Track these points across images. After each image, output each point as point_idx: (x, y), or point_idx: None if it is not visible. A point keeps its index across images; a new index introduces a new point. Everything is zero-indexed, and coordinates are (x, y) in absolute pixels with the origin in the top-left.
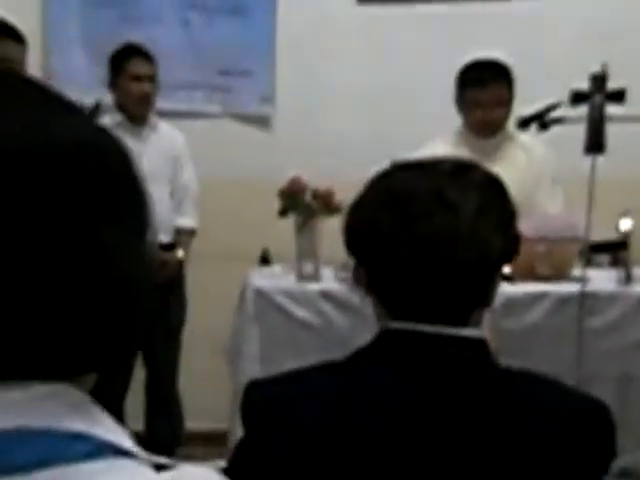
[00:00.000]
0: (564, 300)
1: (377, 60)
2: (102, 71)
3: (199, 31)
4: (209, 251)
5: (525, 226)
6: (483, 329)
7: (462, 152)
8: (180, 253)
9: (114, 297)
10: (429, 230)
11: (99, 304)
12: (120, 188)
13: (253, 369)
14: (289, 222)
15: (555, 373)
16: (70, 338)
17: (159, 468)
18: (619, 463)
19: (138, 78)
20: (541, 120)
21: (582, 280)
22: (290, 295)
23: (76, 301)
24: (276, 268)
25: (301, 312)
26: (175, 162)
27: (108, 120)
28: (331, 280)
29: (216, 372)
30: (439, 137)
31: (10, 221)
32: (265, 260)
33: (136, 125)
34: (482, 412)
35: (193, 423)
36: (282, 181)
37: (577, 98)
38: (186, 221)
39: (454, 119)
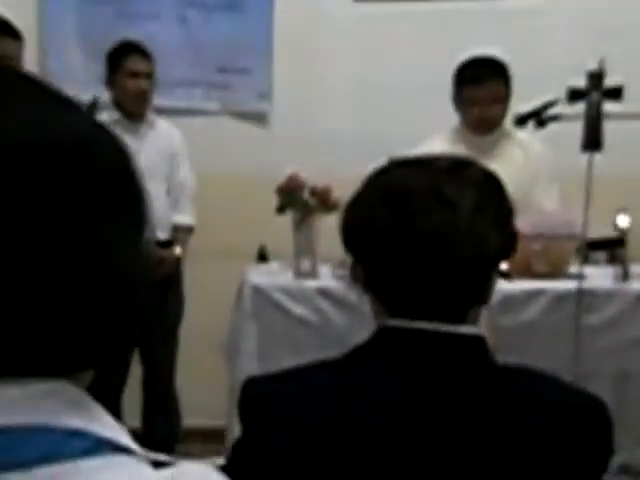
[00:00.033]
0: (561, 297)
1: (374, 57)
2: (99, 68)
3: (197, 28)
4: (207, 248)
5: (522, 223)
6: (481, 326)
7: (459, 149)
8: (177, 250)
9: (111, 293)
10: (427, 227)
11: (96, 300)
12: (118, 184)
13: (251, 366)
14: (287, 219)
15: (552, 370)
16: (68, 335)
17: (157, 465)
18: (618, 460)
19: (135, 75)
20: (538, 117)
21: (579, 277)
22: (287, 292)
23: (73, 298)
24: (273, 265)
25: (298, 309)
26: (172, 159)
27: (105, 117)
28: (329, 277)
29: (214, 369)
30: (436, 134)
31: (7, 217)
32: (263, 257)
33: (133, 122)
34: (480, 409)
35: (191, 420)
36: (280, 178)
37: (574, 95)
38: (183, 218)
39: (452, 117)
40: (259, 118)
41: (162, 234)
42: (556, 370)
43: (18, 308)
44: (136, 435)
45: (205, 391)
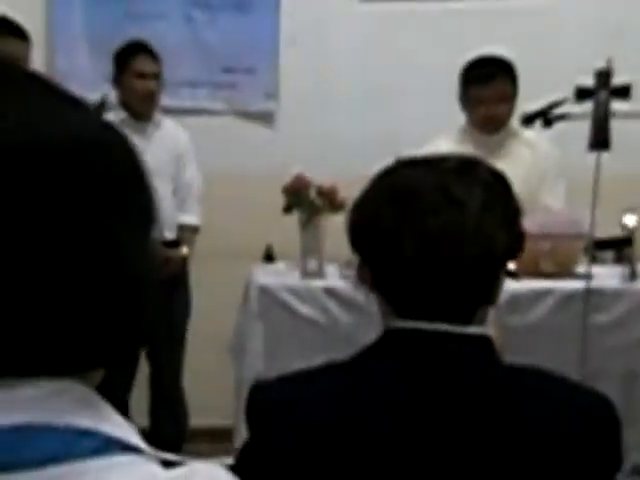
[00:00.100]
0: (569, 297)
1: (380, 57)
2: (106, 68)
3: (203, 28)
4: (213, 248)
5: (529, 223)
6: (488, 326)
7: (466, 149)
8: (184, 250)
9: (121, 293)
10: (434, 226)
11: (106, 300)
12: (126, 184)
13: (257, 366)
14: (293, 219)
15: (559, 370)
16: (78, 334)
17: (166, 465)
18: (630, 461)
19: (143, 75)
20: (545, 116)
21: (587, 277)
22: (294, 292)
23: (84, 296)
24: (280, 265)
25: (305, 309)
26: (179, 159)
27: (112, 117)
28: (335, 277)
29: (220, 369)
30: (443, 134)
31: (16, 217)
32: (269, 257)
33: (140, 122)
34: (488, 409)
35: (198, 420)
36: (286, 178)
37: (582, 94)
38: (189, 218)
39: (459, 116)
40: (265, 118)
41: (168, 234)
42: (563, 370)
43: (29, 307)
44: (143, 434)
45: (212, 391)
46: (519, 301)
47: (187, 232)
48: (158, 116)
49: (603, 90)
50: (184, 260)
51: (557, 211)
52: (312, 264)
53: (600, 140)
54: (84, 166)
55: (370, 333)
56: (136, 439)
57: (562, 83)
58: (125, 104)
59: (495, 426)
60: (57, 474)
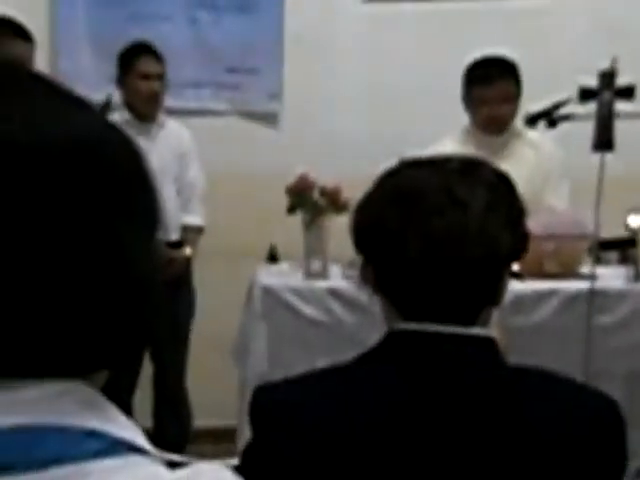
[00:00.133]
0: (573, 298)
1: (384, 58)
2: (110, 69)
3: (207, 29)
4: (216, 248)
5: (533, 223)
6: (491, 327)
7: (470, 150)
8: (187, 250)
9: (126, 294)
10: (438, 227)
11: (111, 301)
12: (131, 185)
13: (261, 366)
14: (297, 219)
15: (563, 371)
16: (82, 335)
17: (171, 465)
18: (635, 463)
19: (147, 77)
20: (549, 117)
21: (591, 277)
22: (298, 293)
23: (89, 298)
24: (284, 265)
25: (309, 310)
26: (182, 160)
27: (116, 118)
28: (339, 278)
29: (224, 369)
30: (447, 135)
31: (23, 218)
32: (273, 257)
33: (144, 123)
34: (492, 411)
35: (201, 420)
36: (290, 178)
37: (586, 95)
38: (193, 219)
39: (463, 117)
40: (269, 118)
41: (172, 235)
42: (567, 370)
43: (33, 309)
44: (147, 435)
45: (215, 391)
46: (523, 302)
47: (191, 233)
48: (162, 117)
49: (607, 90)
50: (188, 261)
51: (561, 212)
52: (316, 265)
53: (604, 141)
54: (88, 167)
55: (373, 333)
56: (141, 440)
57: (566, 84)
58: (129, 105)
59: (499, 427)
60: (62, 475)
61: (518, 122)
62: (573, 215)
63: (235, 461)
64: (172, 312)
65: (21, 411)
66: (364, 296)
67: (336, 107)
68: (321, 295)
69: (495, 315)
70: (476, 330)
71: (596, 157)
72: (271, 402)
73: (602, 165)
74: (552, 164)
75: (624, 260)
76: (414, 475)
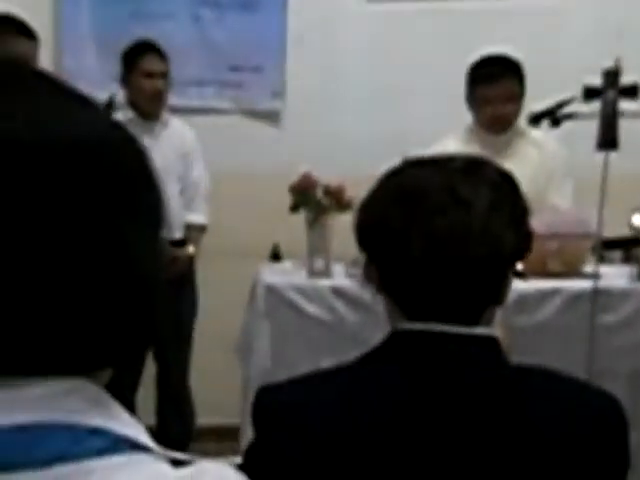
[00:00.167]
0: (576, 297)
1: (387, 56)
2: (114, 68)
3: (210, 27)
4: (220, 247)
5: (537, 222)
6: (494, 327)
7: (473, 149)
8: (191, 249)
9: (131, 292)
10: (442, 226)
11: (115, 299)
12: (136, 183)
13: (264, 365)
14: (300, 218)
15: (567, 370)
16: (87, 333)
17: (175, 463)
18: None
19: (151, 75)
20: (553, 116)
21: (594, 277)
22: (301, 291)
23: (93, 296)
24: (287, 264)
25: (312, 308)
26: (186, 158)
27: (120, 116)
28: (342, 276)
29: (227, 368)
30: (450, 134)
31: (27, 216)
32: (276, 256)
33: (148, 121)
34: (495, 410)
35: (204, 418)
36: (293, 177)
37: (590, 94)
38: (196, 217)
39: (467, 116)
40: (272, 117)
41: (175, 233)
42: (571, 370)
43: (38, 307)
44: (150, 433)
45: (218, 389)
46: (526, 301)
47: (194, 231)
48: (166, 115)
49: (611, 89)
50: (191, 259)
51: (565, 211)
52: (319, 263)
53: (608, 139)
54: (92, 165)
55: (377, 332)
56: (145, 438)
57: (570, 82)
58: (133, 103)
59: (502, 427)
60: (66, 473)
61: (522, 121)
62: (577, 214)
63: (239, 459)
64: (175, 311)
65: (26, 409)
66: (367, 295)
67: (339, 106)
68: (324, 294)
69: (498, 314)
70: (479, 330)
71: (600, 156)
72: (274, 403)
73: (606, 164)
74: (555, 163)
75: (628, 259)
76: (418, 475)
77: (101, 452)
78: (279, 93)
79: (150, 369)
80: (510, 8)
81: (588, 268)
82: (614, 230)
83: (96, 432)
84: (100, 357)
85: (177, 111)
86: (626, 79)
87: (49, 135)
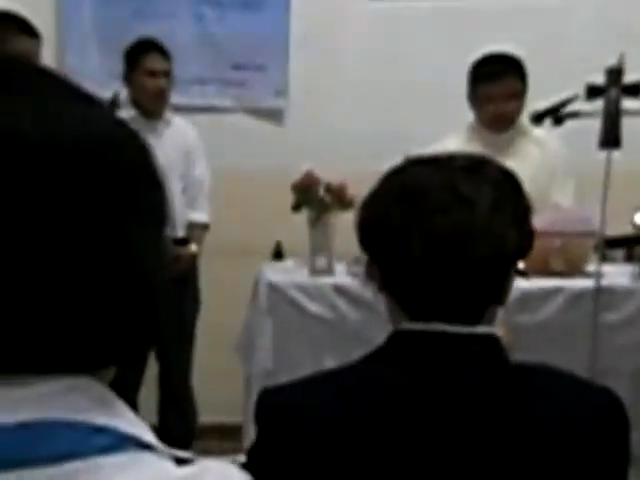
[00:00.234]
0: (578, 295)
1: (390, 55)
2: (116, 66)
3: (213, 26)
4: (222, 245)
5: (540, 221)
6: (496, 325)
7: (475, 147)
8: (193, 247)
9: (134, 290)
10: (444, 225)
11: (119, 297)
12: (139, 181)
13: (266, 363)
14: (302, 216)
15: (569, 369)
16: (91, 331)
17: (178, 462)
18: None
19: (153, 73)
20: (556, 114)
21: (597, 275)
22: (303, 289)
23: (97, 294)
24: (289, 262)
25: (314, 306)
26: (188, 157)
27: (122, 115)
28: (344, 274)
29: (229, 366)
30: (452, 133)
31: (32, 214)
32: (278, 254)
33: (150, 120)
34: (496, 409)
35: (207, 417)
36: (295, 175)
37: (593, 92)
38: (199, 216)
39: (466, 115)
40: (275, 115)
41: (178, 232)
42: (573, 368)
43: (42, 305)
44: (153, 431)
45: (221, 388)
46: (529, 300)
47: (197, 230)
48: (168, 114)
49: (614, 88)
50: (194, 258)
51: (567, 209)
52: (321, 261)
53: (611, 138)
54: (97, 163)
55: (379, 330)
56: (150, 436)
57: (573, 81)
58: (135, 102)
59: (503, 426)
60: (71, 470)
61: (524, 119)
62: (579, 212)
63: (242, 458)
64: (178, 309)
65: (30, 407)
66: (369, 293)
67: (342, 104)
68: (326, 292)
69: (500, 313)
70: (481, 329)
71: (603, 154)
72: (276, 404)
73: (609, 162)
74: (557, 161)
75: (630, 258)
76: (420, 475)
77: (106, 450)
78: (282, 91)
79: (152, 368)
80: (512, 7)
81: (591, 267)
82: (617, 228)
83: (101, 430)
84: (104, 355)
85: (179, 109)
86: (629, 77)
87: (54, 133)
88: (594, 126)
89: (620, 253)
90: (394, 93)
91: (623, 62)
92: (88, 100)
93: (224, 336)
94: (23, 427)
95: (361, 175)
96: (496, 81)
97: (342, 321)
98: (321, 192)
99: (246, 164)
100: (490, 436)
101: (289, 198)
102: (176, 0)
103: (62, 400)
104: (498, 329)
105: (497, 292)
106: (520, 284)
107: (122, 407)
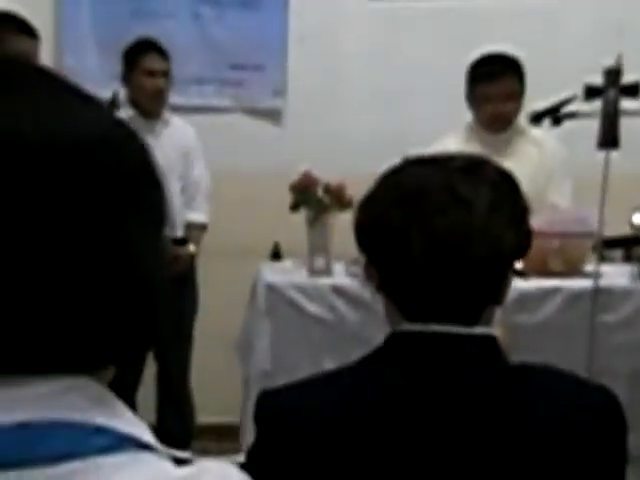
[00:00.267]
0: (576, 296)
1: (389, 55)
2: (114, 66)
3: (211, 25)
4: (220, 246)
5: (538, 221)
6: (493, 326)
7: (473, 148)
8: (192, 248)
9: (134, 290)
10: (442, 226)
11: (118, 297)
12: (138, 181)
13: (264, 363)
14: (300, 217)
15: (567, 369)
16: (90, 331)
17: (176, 462)
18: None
19: (152, 73)
20: (554, 115)
21: (595, 276)
22: (301, 290)
23: (96, 294)
24: (287, 263)
25: (312, 307)
26: (186, 157)
27: (121, 115)
28: (342, 275)
29: (227, 366)
30: (450, 133)
31: (31, 215)
32: (276, 255)
33: (149, 120)
34: (494, 410)
35: (205, 417)
36: (294, 175)
37: (591, 92)
38: (197, 216)
39: (464, 116)
40: (273, 115)
41: (176, 232)
42: (570, 368)
43: (41, 305)
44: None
45: (219, 388)
46: (527, 300)
47: (195, 230)
48: (167, 114)
49: (612, 88)
50: (192, 258)
51: (565, 209)
52: (319, 262)
53: (609, 138)
54: (96, 163)
55: (377, 331)
56: (148, 436)
57: (571, 81)
58: (134, 102)
59: (502, 426)
60: (70, 470)
61: (522, 119)
62: (577, 213)
63: (241, 458)
64: (176, 309)
65: (29, 407)
66: (368, 293)
67: (340, 105)
68: (325, 292)
69: (498, 313)
70: (479, 330)
71: (601, 155)
72: (275, 406)
73: (607, 163)
74: (555, 162)
75: (628, 258)
76: (419, 475)
77: (105, 450)
78: (280, 92)
79: (150, 368)
80: (510, 7)
81: (589, 267)
82: (615, 229)
83: (100, 430)
84: (103, 355)
85: (178, 109)
86: (627, 78)
87: (53, 133)
88: (592, 126)
89: (618, 253)
90: (393, 93)
91: (621, 62)
92: (87, 100)
93: (222, 337)
94: (22, 427)
95: (359, 175)
96: (494, 81)
97: (340, 322)
98: (319, 192)
99: (244, 164)
100: (489, 436)
101: (287, 198)
102: (174, 0)
103: (61, 400)
104: (496, 329)
105: (495, 292)
106: (518, 284)
107: (121, 407)
